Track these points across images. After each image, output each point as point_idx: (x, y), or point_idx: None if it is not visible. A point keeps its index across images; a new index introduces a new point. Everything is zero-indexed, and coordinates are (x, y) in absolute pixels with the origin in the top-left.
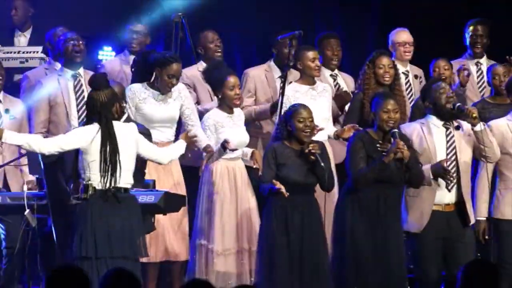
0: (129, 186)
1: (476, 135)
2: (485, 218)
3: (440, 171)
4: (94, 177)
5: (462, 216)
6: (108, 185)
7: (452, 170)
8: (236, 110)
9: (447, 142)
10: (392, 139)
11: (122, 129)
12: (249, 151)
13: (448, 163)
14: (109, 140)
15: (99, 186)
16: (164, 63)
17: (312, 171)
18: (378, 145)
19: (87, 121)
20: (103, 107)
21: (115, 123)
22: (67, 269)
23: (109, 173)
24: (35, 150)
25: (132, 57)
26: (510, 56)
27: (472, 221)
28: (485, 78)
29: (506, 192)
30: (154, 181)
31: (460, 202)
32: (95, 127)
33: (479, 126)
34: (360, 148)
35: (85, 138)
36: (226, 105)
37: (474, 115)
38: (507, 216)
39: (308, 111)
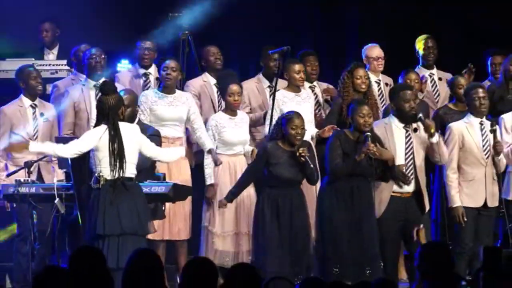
0: (133, 176)
1: (432, 146)
2: (460, 204)
3: (399, 175)
4: (104, 170)
5: (419, 205)
6: (116, 175)
7: (410, 167)
8: (240, 113)
9: (406, 143)
10: (364, 141)
11: (126, 128)
12: (250, 149)
13: (407, 161)
14: (116, 138)
15: (109, 177)
16: (160, 63)
17: (301, 170)
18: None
19: (97, 122)
20: (111, 110)
21: (120, 123)
22: (86, 248)
23: (117, 166)
24: (59, 155)
25: (141, 70)
26: (470, 64)
27: (427, 208)
28: (438, 86)
29: (464, 183)
30: (164, 174)
31: (417, 192)
32: (102, 128)
33: (435, 138)
34: (337, 146)
35: (95, 138)
36: (229, 109)
37: (432, 130)
38: (465, 204)
39: (301, 119)
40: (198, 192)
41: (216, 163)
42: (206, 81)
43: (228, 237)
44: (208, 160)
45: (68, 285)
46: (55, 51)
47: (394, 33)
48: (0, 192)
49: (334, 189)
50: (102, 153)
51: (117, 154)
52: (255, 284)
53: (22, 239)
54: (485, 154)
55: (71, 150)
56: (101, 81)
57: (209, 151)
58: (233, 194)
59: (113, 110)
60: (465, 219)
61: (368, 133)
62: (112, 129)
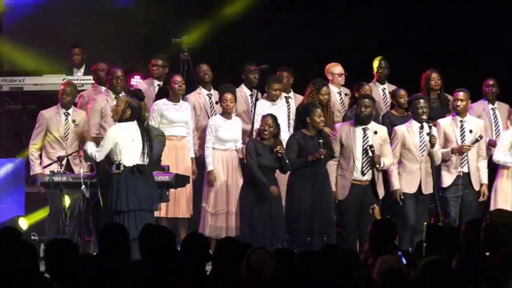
0: (145, 164)
1: (377, 171)
2: (399, 187)
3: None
4: (124, 158)
5: (374, 191)
6: (133, 163)
7: (366, 161)
8: (235, 118)
9: (363, 141)
10: (319, 146)
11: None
12: (241, 146)
13: (363, 156)
14: (146, 131)
15: (127, 164)
16: (171, 77)
17: (277, 160)
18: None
19: (123, 119)
20: (140, 111)
21: (133, 123)
22: (113, 225)
23: (147, 154)
24: (93, 158)
25: (155, 81)
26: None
27: (381, 196)
28: (388, 98)
29: (403, 174)
30: (168, 166)
31: (372, 181)
32: (129, 125)
33: (380, 167)
34: (293, 144)
35: (120, 136)
36: (224, 113)
37: (377, 166)
38: (404, 190)
39: (272, 119)
40: (200, 179)
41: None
42: (200, 93)
43: (220, 215)
44: (208, 151)
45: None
46: (82, 69)
47: (353, 53)
48: (38, 180)
49: (300, 175)
50: (122, 145)
51: (147, 144)
52: (237, 254)
53: (52, 218)
54: (421, 152)
55: (101, 156)
56: (120, 94)
57: (192, 160)
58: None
59: (137, 110)
60: (402, 198)
61: (321, 141)
62: (141, 125)
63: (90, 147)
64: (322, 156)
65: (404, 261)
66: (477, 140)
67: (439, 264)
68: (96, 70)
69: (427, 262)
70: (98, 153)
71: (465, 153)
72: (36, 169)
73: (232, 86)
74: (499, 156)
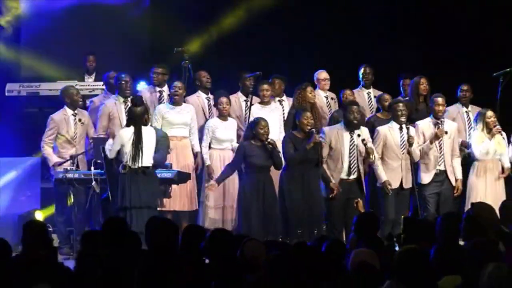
0: (150, 165)
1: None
2: (386, 179)
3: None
4: (129, 160)
5: (359, 187)
6: (137, 165)
7: (354, 161)
8: (231, 120)
9: (350, 144)
10: (310, 136)
11: (146, 131)
12: (236, 145)
13: (350, 157)
14: (139, 137)
15: (132, 166)
16: (170, 86)
17: (270, 158)
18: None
19: (127, 124)
20: (137, 117)
21: (143, 127)
22: (115, 218)
23: (139, 158)
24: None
25: (157, 88)
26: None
27: (365, 191)
28: (372, 101)
29: (386, 170)
30: (171, 164)
31: (358, 178)
32: (130, 130)
33: (372, 158)
34: (289, 142)
35: (124, 138)
36: (220, 115)
37: (371, 156)
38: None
39: (266, 122)
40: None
41: (198, 167)
42: (199, 96)
43: (218, 209)
44: (205, 149)
45: (102, 243)
46: (93, 76)
47: (339, 61)
48: (53, 177)
49: (291, 174)
50: (127, 148)
51: (139, 149)
52: (228, 244)
53: (60, 212)
54: (402, 150)
55: (112, 154)
56: (128, 98)
57: (196, 154)
58: (218, 180)
59: (139, 118)
60: (391, 188)
61: (313, 129)
62: (137, 131)
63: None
64: (318, 140)
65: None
66: (446, 132)
67: (416, 253)
68: (108, 78)
69: (405, 251)
70: (109, 152)
71: (442, 153)
72: (54, 158)
73: (226, 92)
74: (476, 151)
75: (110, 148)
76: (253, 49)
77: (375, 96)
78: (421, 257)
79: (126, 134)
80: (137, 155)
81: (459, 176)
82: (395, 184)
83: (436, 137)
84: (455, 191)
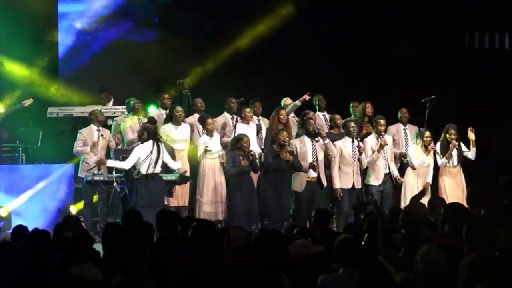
0: (158, 172)
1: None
2: (339, 187)
3: (313, 166)
4: (142, 168)
5: (320, 184)
6: (148, 172)
7: (316, 162)
8: (215, 135)
9: (312, 149)
10: (283, 147)
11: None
12: (221, 153)
13: (313, 159)
14: (158, 150)
15: (144, 172)
16: (174, 108)
17: (250, 165)
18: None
19: (146, 139)
20: (154, 134)
21: (150, 142)
22: (132, 211)
23: (154, 166)
24: (123, 168)
25: (162, 110)
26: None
27: (324, 186)
28: (328, 121)
29: (341, 175)
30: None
31: (319, 177)
32: (149, 143)
33: (331, 153)
34: (269, 154)
35: (142, 153)
36: (208, 133)
37: (329, 152)
38: (342, 186)
39: (247, 138)
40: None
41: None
42: (195, 117)
43: (210, 204)
44: (201, 158)
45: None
46: (111, 103)
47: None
48: (83, 179)
49: (268, 179)
50: (142, 159)
51: (158, 159)
52: (210, 232)
53: (88, 207)
54: (353, 159)
55: (129, 165)
56: (141, 117)
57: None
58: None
59: (154, 133)
60: (341, 195)
61: (286, 143)
62: (155, 143)
63: (112, 163)
64: (290, 149)
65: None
66: (386, 144)
67: (349, 240)
68: (128, 103)
69: (340, 240)
70: (125, 164)
71: (387, 160)
72: (86, 149)
73: (209, 115)
74: (417, 162)
75: (125, 162)
76: (238, 79)
77: (329, 117)
78: (353, 245)
79: (145, 148)
80: (152, 164)
81: (396, 173)
82: (348, 185)
83: (381, 147)
84: (396, 182)
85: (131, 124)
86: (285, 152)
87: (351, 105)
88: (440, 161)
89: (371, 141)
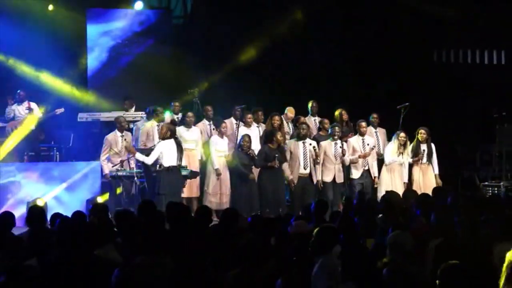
0: (176, 165)
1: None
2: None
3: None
4: (164, 161)
5: (311, 179)
6: (169, 165)
7: (307, 161)
8: (225, 138)
9: (303, 151)
10: (276, 157)
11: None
12: (228, 153)
13: (305, 159)
14: (177, 146)
15: (165, 165)
16: (186, 113)
17: (251, 161)
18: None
19: (167, 138)
20: (173, 133)
21: (171, 140)
22: (147, 202)
23: (175, 160)
24: (146, 163)
25: (174, 116)
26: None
27: (315, 181)
28: (317, 125)
29: (325, 170)
30: (186, 166)
31: (310, 173)
32: (168, 141)
33: (319, 158)
34: (262, 153)
35: (162, 149)
36: (219, 134)
37: (317, 157)
38: (325, 179)
39: (248, 137)
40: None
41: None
42: (204, 123)
43: (215, 195)
44: (213, 156)
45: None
46: (132, 110)
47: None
48: (110, 174)
49: (266, 172)
50: (163, 154)
51: (177, 154)
52: (206, 216)
53: (112, 197)
54: (336, 158)
55: (151, 161)
56: (161, 122)
57: (201, 159)
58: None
59: (173, 133)
60: (322, 186)
61: (277, 155)
62: (175, 141)
63: (140, 156)
64: (276, 166)
65: None
66: (372, 149)
67: (329, 229)
68: (150, 110)
69: (319, 230)
70: (148, 159)
71: (367, 157)
72: (106, 170)
73: (223, 120)
74: (388, 159)
75: (149, 158)
76: (239, 89)
77: (319, 121)
78: (333, 233)
79: (167, 144)
80: (173, 158)
81: (376, 173)
82: (329, 179)
83: (364, 156)
84: (374, 183)
85: (148, 128)
86: (273, 164)
87: (339, 112)
88: (409, 160)
89: (353, 141)
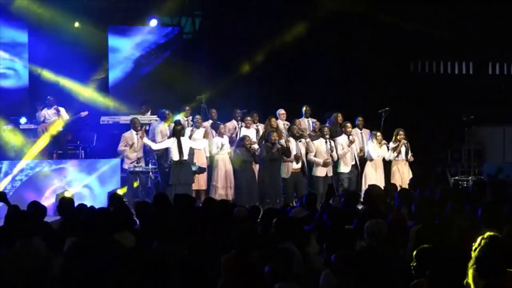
0: (186, 159)
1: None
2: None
3: (297, 158)
4: (173, 156)
5: (303, 173)
6: (180, 159)
7: (299, 155)
8: (225, 137)
9: (296, 146)
10: (273, 145)
11: (184, 139)
12: (229, 150)
13: (297, 153)
14: (180, 144)
15: (175, 159)
16: (194, 117)
17: (252, 156)
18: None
19: (170, 136)
20: (179, 132)
21: (181, 138)
22: (161, 194)
23: (181, 155)
24: (153, 148)
25: (185, 118)
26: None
27: (306, 174)
28: (311, 125)
29: (318, 166)
30: (195, 162)
31: (302, 167)
32: (173, 139)
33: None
34: (264, 149)
35: (168, 144)
36: (220, 134)
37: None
38: (318, 174)
39: (249, 137)
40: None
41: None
42: (209, 123)
43: (222, 188)
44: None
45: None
46: (148, 114)
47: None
48: (127, 170)
49: (264, 167)
50: (172, 149)
51: (181, 149)
52: (211, 206)
53: (130, 190)
54: (327, 154)
55: (158, 148)
56: (171, 124)
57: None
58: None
59: (179, 132)
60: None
61: (276, 142)
62: (179, 140)
63: (146, 140)
64: (274, 149)
65: None
66: (352, 142)
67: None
68: (160, 113)
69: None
70: (154, 145)
71: (354, 155)
72: (126, 149)
73: (220, 122)
74: (374, 155)
75: (156, 144)
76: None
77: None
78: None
79: (173, 142)
80: (179, 153)
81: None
82: (322, 174)
83: (351, 143)
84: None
85: (162, 129)
86: (276, 149)
87: (326, 115)
88: (389, 156)
89: (341, 139)
